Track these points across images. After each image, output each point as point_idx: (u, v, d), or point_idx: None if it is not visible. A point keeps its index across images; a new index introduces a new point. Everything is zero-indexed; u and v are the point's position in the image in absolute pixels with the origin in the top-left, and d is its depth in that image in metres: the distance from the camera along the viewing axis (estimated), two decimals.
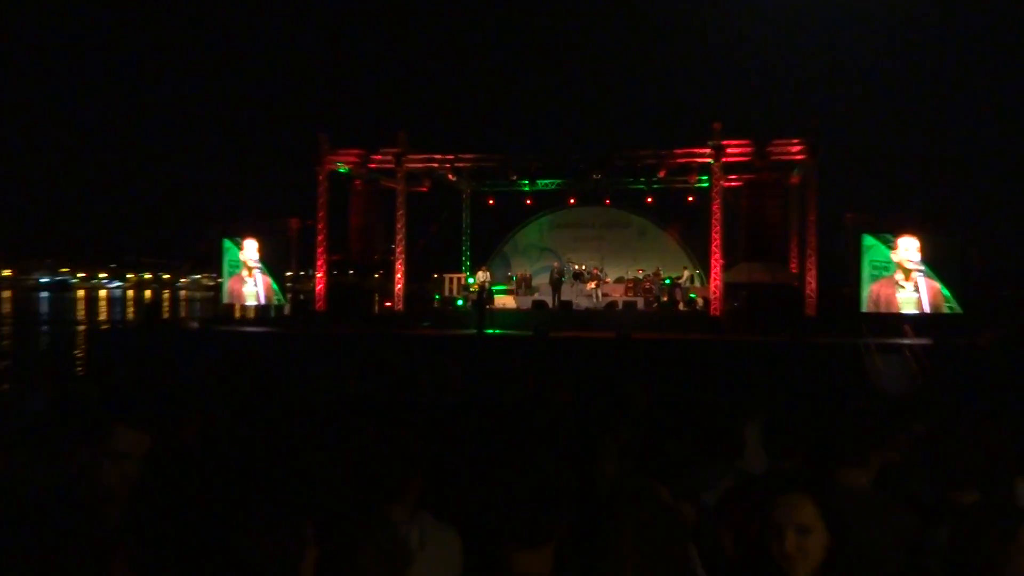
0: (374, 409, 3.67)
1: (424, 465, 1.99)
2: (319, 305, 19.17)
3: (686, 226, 23.10)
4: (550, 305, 19.28)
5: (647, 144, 18.77)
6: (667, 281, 20.01)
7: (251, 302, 20.14)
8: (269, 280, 19.50)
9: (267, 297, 19.60)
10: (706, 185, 18.87)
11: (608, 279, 21.06)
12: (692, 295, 19.60)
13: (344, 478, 1.98)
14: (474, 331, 16.20)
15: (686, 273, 20.15)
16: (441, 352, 13.64)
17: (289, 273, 20.84)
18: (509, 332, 16.03)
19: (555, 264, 20.93)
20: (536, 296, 20.40)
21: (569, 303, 19.10)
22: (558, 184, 22.08)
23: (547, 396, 3.98)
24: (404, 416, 3.30)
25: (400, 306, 18.84)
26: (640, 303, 19.57)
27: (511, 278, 21.76)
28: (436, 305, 20.66)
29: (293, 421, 3.28)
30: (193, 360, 8.40)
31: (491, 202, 22.63)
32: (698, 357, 13.09)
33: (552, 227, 24.36)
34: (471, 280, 20.69)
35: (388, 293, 19.44)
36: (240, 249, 19.75)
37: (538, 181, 21.48)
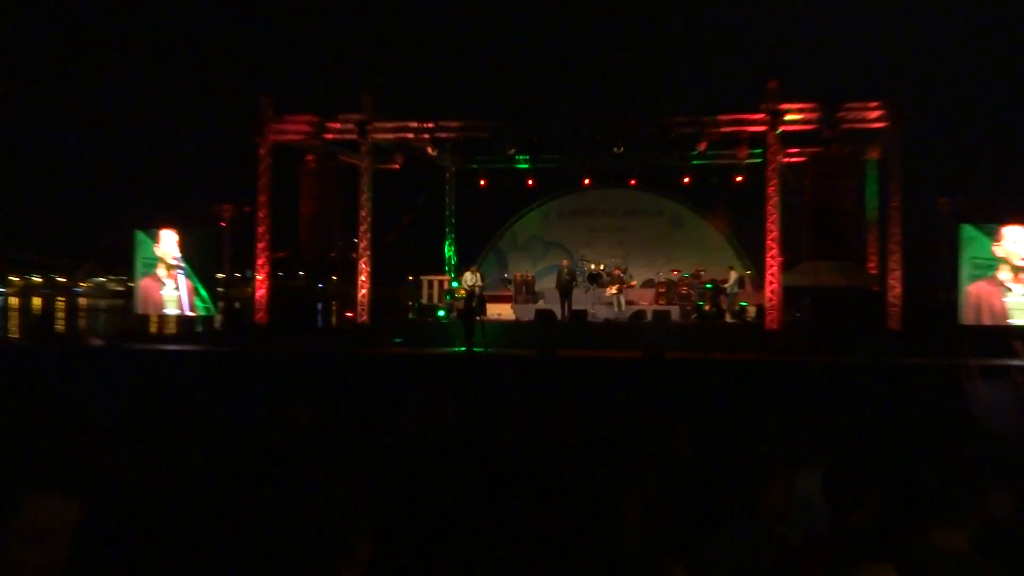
0: (324, 451, 3.66)
1: (377, 524, 1.98)
2: (259, 316, 19.18)
3: (734, 214, 23.19)
4: (558, 316, 19.31)
5: (684, 108, 18.85)
6: (709, 285, 20.05)
7: (171, 311, 20.17)
8: (193, 283, 19.49)
9: (191, 305, 19.62)
10: (760, 161, 18.92)
11: (633, 282, 21.08)
12: (742, 303, 19.65)
13: (275, 538, 1.96)
14: (460, 350, 16.20)
15: (733, 275, 20.19)
16: (420, 377, 13.65)
17: (221, 275, 20.86)
18: (505, 351, 16.04)
19: (564, 263, 20.93)
20: (540, 304, 20.44)
21: (583, 313, 19.13)
22: (568, 160, 22.12)
23: (553, 435, 3.97)
24: (361, 460, 3.30)
25: (365, 317, 18.87)
26: (675, 313, 19.62)
27: (508, 281, 21.79)
28: (411, 316, 20.68)
29: (220, 466, 3.29)
30: (97, 387, 8.39)
31: (482, 183, 22.67)
32: (749, 382, 13.11)
33: (561, 215, 24.42)
34: (456, 284, 20.71)
35: (349, 301, 19.47)
36: (156, 243, 19.76)
37: (543, 156, 21.53)
